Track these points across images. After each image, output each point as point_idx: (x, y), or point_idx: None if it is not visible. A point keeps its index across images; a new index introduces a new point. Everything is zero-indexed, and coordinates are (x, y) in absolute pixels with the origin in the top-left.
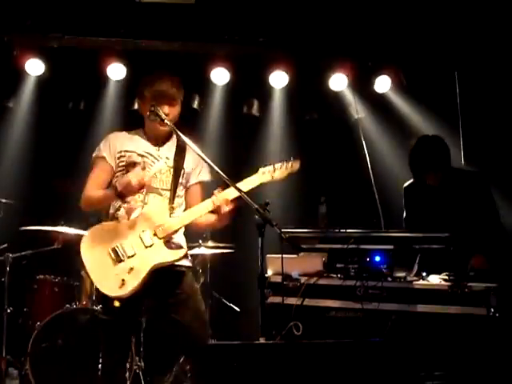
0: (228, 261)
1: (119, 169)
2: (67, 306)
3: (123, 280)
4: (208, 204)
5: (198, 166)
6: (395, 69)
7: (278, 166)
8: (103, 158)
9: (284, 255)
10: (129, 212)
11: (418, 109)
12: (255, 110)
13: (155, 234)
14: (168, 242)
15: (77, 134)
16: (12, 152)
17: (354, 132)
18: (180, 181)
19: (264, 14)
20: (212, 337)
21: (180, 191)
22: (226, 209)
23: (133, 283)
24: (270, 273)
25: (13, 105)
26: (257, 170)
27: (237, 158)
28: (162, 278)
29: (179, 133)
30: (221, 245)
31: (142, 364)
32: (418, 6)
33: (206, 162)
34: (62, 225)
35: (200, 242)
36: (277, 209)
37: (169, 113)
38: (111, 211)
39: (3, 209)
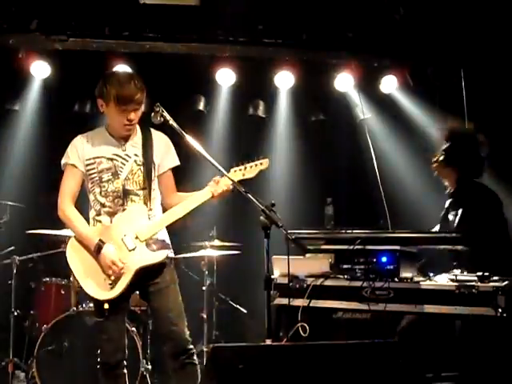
0: (234, 262)
1: (91, 176)
2: (73, 308)
3: (111, 284)
4: (206, 193)
5: (167, 152)
6: (401, 69)
7: (248, 165)
8: (73, 165)
9: (290, 256)
10: (111, 216)
11: (424, 109)
12: (261, 111)
13: (137, 238)
14: (149, 244)
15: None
16: (18, 155)
17: (360, 133)
18: (153, 175)
19: (269, 14)
20: (219, 338)
21: (154, 184)
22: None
23: (121, 286)
24: (276, 274)
25: (19, 108)
26: (228, 170)
27: (243, 159)
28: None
29: (183, 132)
30: (227, 244)
31: (149, 367)
32: (423, 5)
33: (207, 158)
34: (67, 228)
35: (206, 243)
36: (283, 210)
37: (134, 118)
38: (92, 215)
39: (10, 212)
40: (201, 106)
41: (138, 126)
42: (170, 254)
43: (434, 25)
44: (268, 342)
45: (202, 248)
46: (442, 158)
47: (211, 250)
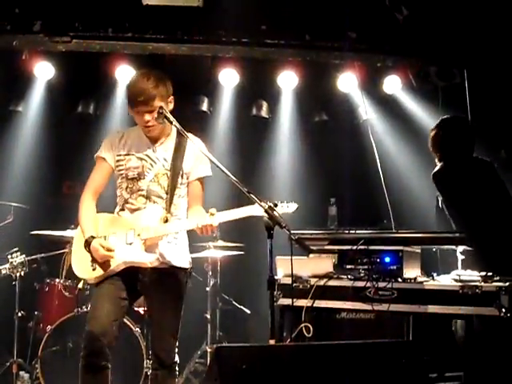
0: (238, 263)
1: (120, 172)
2: (77, 309)
3: (93, 266)
4: (192, 223)
5: (197, 161)
6: (404, 69)
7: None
8: (103, 158)
9: (294, 257)
10: (132, 212)
11: (427, 109)
12: (264, 112)
13: (139, 235)
14: (150, 246)
15: (86, 136)
16: (22, 156)
17: (363, 133)
18: (179, 182)
19: (272, 15)
20: (222, 339)
21: (181, 191)
22: (208, 233)
23: (100, 271)
24: (279, 274)
25: (22, 109)
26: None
27: (246, 159)
28: (164, 277)
29: (186, 133)
30: (231, 245)
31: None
32: (427, 5)
33: (215, 164)
34: (72, 228)
35: (210, 244)
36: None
37: (150, 119)
38: (117, 210)
39: (13, 213)
40: (204, 107)
41: (174, 130)
42: (184, 264)
43: (437, 25)
44: (271, 342)
45: (206, 249)
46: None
47: (215, 251)
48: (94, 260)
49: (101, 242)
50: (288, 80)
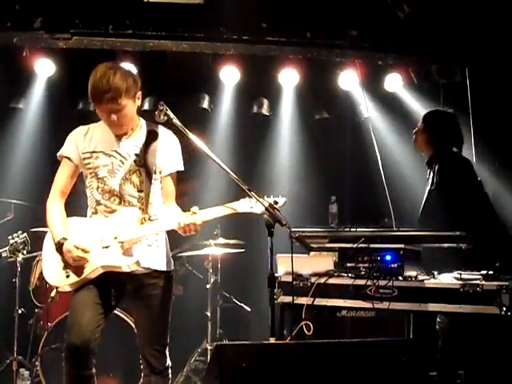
0: (238, 260)
1: (88, 171)
2: None
3: (67, 272)
4: (173, 223)
5: (171, 156)
6: (405, 67)
7: (260, 200)
8: (68, 158)
9: (294, 254)
10: (106, 215)
11: (428, 107)
12: (265, 110)
13: (116, 238)
14: (128, 249)
15: None
16: (22, 153)
17: (364, 131)
18: (153, 178)
19: (273, 12)
20: (222, 336)
21: (155, 188)
22: (192, 232)
23: (74, 277)
24: (280, 272)
25: (23, 106)
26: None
27: (247, 157)
28: (146, 281)
29: (187, 131)
30: (231, 242)
31: None
32: (428, 3)
33: (211, 157)
34: None
35: (210, 241)
36: (287, 208)
37: (114, 119)
38: (89, 213)
39: (14, 210)
40: (205, 105)
41: (143, 123)
42: (164, 267)
43: (438, 22)
44: (272, 340)
45: (206, 246)
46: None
47: (215, 248)
48: (67, 265)
49: (75, 244)
50: (289, 77)
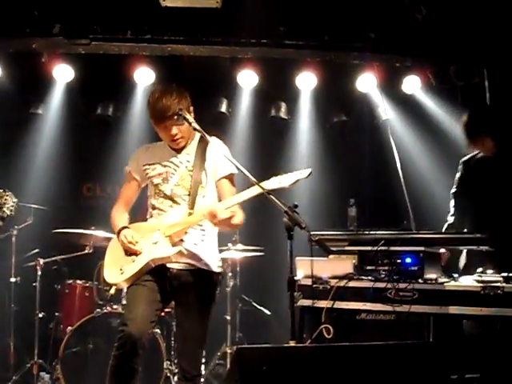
0: (258, 264)
1: (148, 181)
2: (98, 310)
3: (121, 270)
4: (199, 216)
5: (221, 160)
6: (423, 68)
7: (287, 174)
8: (130, 172)
9: (314, 258)
10: (158, 216)
11: (446, 109)
12: (283, 113)
13: (164, 233)
14: (175, 242)
15: (106, 139)
16: (42, 158)
17: (382, 133)
18: (203, 181)
19: (290, 16)
20: (242, 340)
21: (205, 191)
22: (215, 220)
23: (128, 273)
24: (299, 275)
25: (42, 111)
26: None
27: (265, 160)
28: (193, 280)
29: (203, 132)
30: (250, 248)
31: (174, 368)
32: (446, 5)
33: (230, 160)
34: (93, 229)
35: (229, 245)
36: (306, 211)
37: (177, 132)
38: (147, 217)
39: (34, 214)
40: (223, 108)
41: (197, 134)
42: (216, 268)
43: (456, 24)
44: (292, 343)
45: (225, 250)
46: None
47: (234, 252)
48: (122, 260)
49: (132, 233)
50: (307, 80)
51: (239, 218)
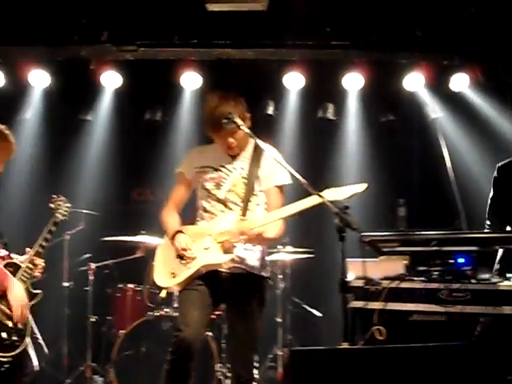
0: (308, 266)
1: (199, 184)
2: (149, 313)
3: (173, 274)
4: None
5: (275, 169)
6: (472, 66)
7: (341, 188)
8: (181, 173)
9: (363, 259)
10: (209, 220)
11: (496, 106)
12: (330, 114)
13: (216, 239)
14: (227, 248)
15: (154, 143)
16: (92, 164)
17: (431, 132)
18: (257, 189)
19: (336, 16)
20: (293, 342)
21: (258, 199)
22: (243, 237)
23: (179, 278)
24: (350, 277)
25: (91, 117)
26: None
27: (313, 162)
28: (244, 283)
29: (257, 139)
30: (300, 250)
31: (225, 370)
32: (494, 2)
33: (285, 167)
34: (143, 234)
35: (279, 247)
36: (354, 212)
37: (233, 141)
38: (197, 220)
39: (85, 220)
40: (270, 111)
41: (252, 141)
42: (265, 273)
43: (505, 21)
44: (345, 345)
45: (275, 252)
46: None
47: (284, 254)
48: (174, 265)
49: (187, 239)
50: (353, 81)
51: (274, 232)
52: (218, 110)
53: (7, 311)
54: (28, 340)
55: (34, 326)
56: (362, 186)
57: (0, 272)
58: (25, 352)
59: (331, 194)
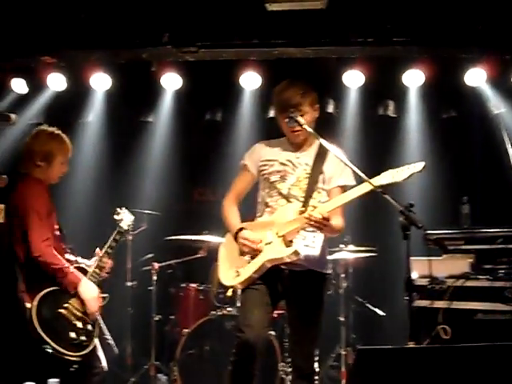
0: (370, 264)
1: (263, 177)
2: (212, 312)
3: (237, 272)
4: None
5: (339, 169)
6: None
7: (399, 168)
8: (245, 166)
9: (427, 258)
10: (270, 215)
11: None
12: (391, 111)
13: (277, 233)
14: (289, 242)
15: (215, 144)
16: (154, 164)
17: (494, 127)
18: (319, 186)
19: (397, 13)
20: (356, 341)
21: (321, 196)
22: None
23: (243, 276)
24: (414, 276)
25: (153, 119)
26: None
27: (375, 160)
28: (304, 280)
29: (319, 137)
30: (362, 248)
31: (288, 369)
32: None
33: (346, 164)
34: (206, 234)
35: (341, 246)
36: (417, 209)
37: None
38: (257, 215)
39: (148, 220)
40: (330, 109)
41: (319, 139)
42: (326, 270)
43: None
44: (411, 344)
45: (337, 251)
46: None
47: (347, 253)
48: (237, 262)
49: (253, 235)
50: (414, 77)
51: (337, 222)
52: (285, 94)
53: (77, 313)
54: (96, 341)
55: (104, 327)
56: (420, 165)
57: (72, 274)
58: (94, 352)
59: (389, 177)
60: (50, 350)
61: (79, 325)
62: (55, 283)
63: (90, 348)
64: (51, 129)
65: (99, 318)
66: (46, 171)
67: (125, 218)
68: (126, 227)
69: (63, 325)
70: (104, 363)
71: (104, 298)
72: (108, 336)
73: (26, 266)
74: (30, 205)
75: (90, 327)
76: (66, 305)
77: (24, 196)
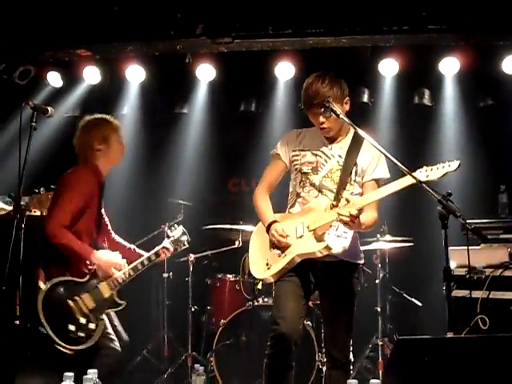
0: (407, 254)
1: (295, 167)
2: (249, 303)
3: (268, 265)
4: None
5: (374, 162)
6: None
7: (434, 166)
8: (278, 155)
9: (464, 247)
10: (302, 206)
11: None
12: (427, 100)
13: (308, 227)
14: (320, 235)
15: (249, 134)
16: (189, 155)
17: None
18: (352, 178)
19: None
20: (393, 331)
21: (353, 188)
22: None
23: (274, 269)
24: (452, 266)
25: (187, 111)
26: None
27: (411, 149)
28: (336, 270)
29: (355, 126)
30: (399, 238)
31: (324, 359)
32: None
33: (384, 154)
34: (241, 224)
35: (378, 236)
36: (456, 199)
37: (324, 121)
38: (288, 207)
39: (184, 210)
40: (365, 99)
41: (352, 129)
42: (357, 260)
43: None
44: (450, 334)
45: (374, 241)
46: None
47: (383, 243)
48: (269, 255)
49: (283, 229)
50: (450, 66)
51: (369, 218)
52: (311, 89)
53: (84, 309)
54: (106, 321)
55: (109, 327)
56: (455, 165)
57: (82, 246)
58: (104, 335)
59: (423, 175)
60: (45, 332)
61: (82, 321)
62: (76, 272)
63: (84, 346)
64: (93, 116)
65: (105, 317)
66: (107, 153)
67: (177, 237)
68: (175, 247)
69: (66, 315)
70: (124, 336)
71: (120, 304)
72: (113, 336)
73: (48, 249)
74: (66, 186)
75: (92, 326)
76: (76, 297)
77: (66, 180)
